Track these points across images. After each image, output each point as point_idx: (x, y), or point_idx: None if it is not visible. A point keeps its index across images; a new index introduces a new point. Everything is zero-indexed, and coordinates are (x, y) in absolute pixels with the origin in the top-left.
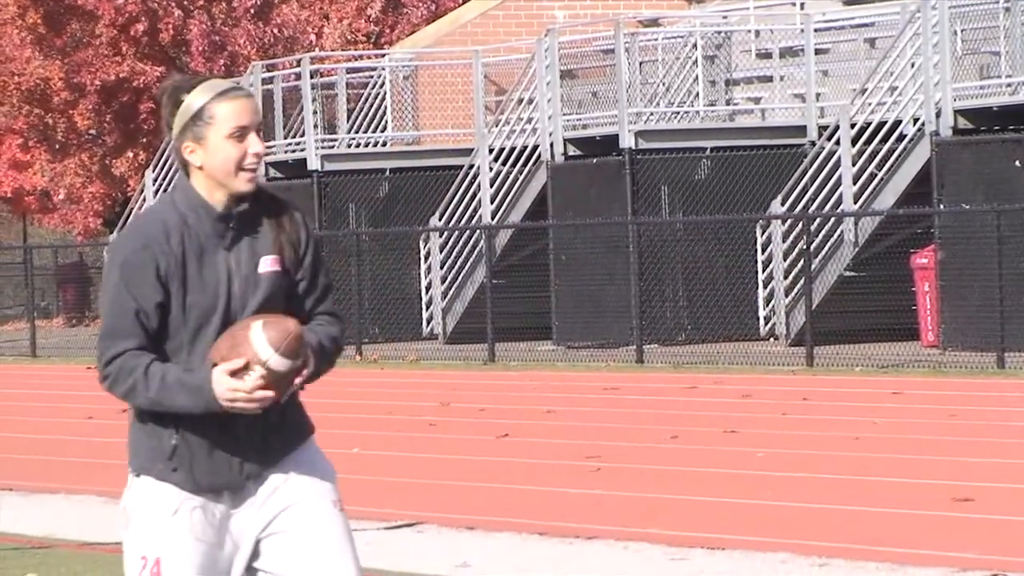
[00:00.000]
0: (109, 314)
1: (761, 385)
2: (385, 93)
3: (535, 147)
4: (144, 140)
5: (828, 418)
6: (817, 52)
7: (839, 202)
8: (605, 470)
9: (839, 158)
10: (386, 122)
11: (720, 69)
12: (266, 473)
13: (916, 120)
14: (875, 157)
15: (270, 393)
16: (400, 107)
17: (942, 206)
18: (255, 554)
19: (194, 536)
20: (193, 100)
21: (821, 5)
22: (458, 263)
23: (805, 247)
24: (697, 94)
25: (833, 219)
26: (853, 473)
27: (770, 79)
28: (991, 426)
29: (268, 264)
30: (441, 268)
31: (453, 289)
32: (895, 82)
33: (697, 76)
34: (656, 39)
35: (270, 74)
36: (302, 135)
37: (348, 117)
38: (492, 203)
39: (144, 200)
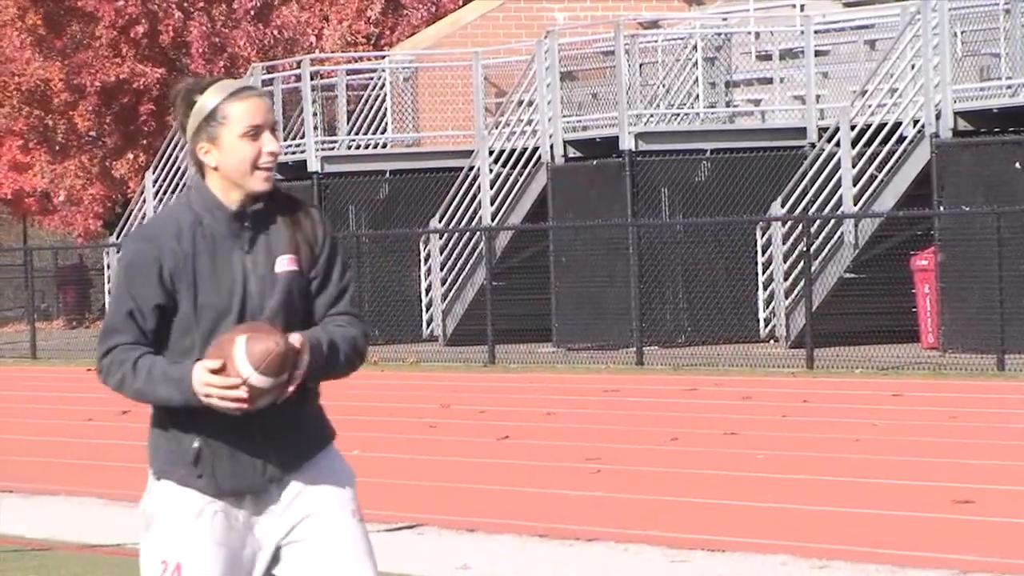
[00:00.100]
0: (109, 311)
1: (761, 387)
2: (385, 95)
3: (535, 149)
4: (144, 142)
5: (828, 420)
6: (817, 54)
7: (839, 204)
8: (605, 472)
9: (839, 160)
10: (386, 124)
11: (720, 71)
12: (287, 477)
13: (916, 122)
14: (875, 159)
15: (243, 395)
16: (400, 109)
17: (942, 208)
18: (275, 560)
19: (215, 541)
20: (206, 101)
21: (821, 7)
22: (458, 265)
23: (805, 249)
24: (697, 96)
25: (833, 221)
26: (853, 475)
27: (770, 81)
28: (991, 428)
29: (285, 264)
30: (441, 270)
31: (453, 291)
32: (895, 84)
33: (697, 78)
34: (656, 41)
35: (270, 76)
36: (302, 137)
37: (348, 119)
38: (492, 205)
39: (144, 202)
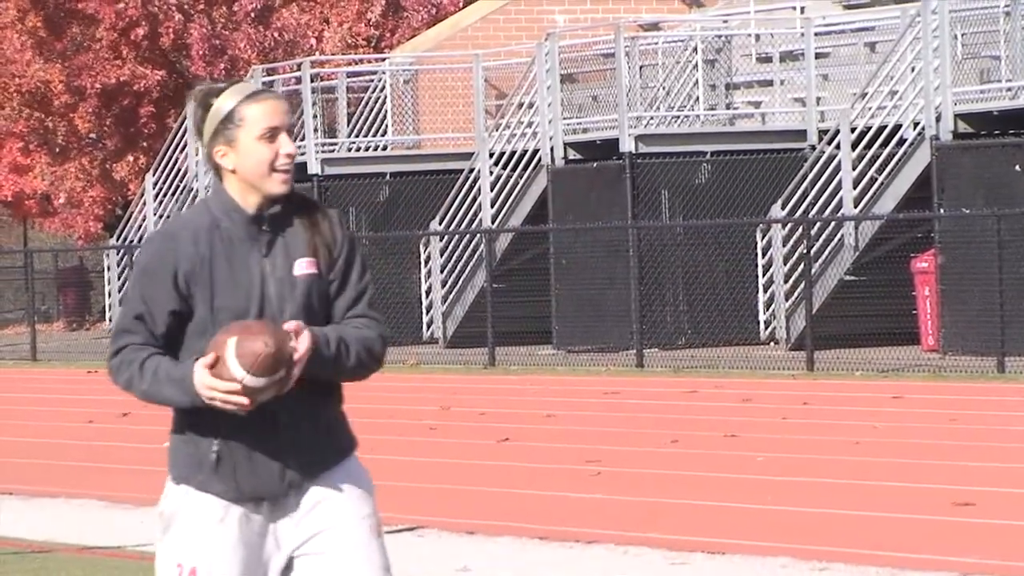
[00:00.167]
0: (120, 312)
1: (761, 389)
2: (385, 97)
3: (535, 151)
4: (144, 144)
5: (828, 422)
6: (817, 56)
7: (839, 206)
8: (605, 474)
9: (839, 162)
10: (386, 126)
11: (720, 73)
12: (307, 484)
13: (916, 124)
14: (875, 161)
15: (244, 400)
16: (400, 111)
17: (942, 210)
18: (288, 569)
19: (231, 547)
20: (223, 103)
21: (821, 9)
22: (458, 267)
23: (805, 251)
24: (697, 98)
25: (833, 223)
26: (853, 477)
27: (770, 83)
28: (991, 430)
29: (303, 266)
30: (441, 272)
31: (453, 293)
32: (895, 86)
33: (697, 80)
34: (656, 43)
35: (270, 78)
36: (302, 139)
37: (348, 121)
38: (492, 207)
39: (144, 204)
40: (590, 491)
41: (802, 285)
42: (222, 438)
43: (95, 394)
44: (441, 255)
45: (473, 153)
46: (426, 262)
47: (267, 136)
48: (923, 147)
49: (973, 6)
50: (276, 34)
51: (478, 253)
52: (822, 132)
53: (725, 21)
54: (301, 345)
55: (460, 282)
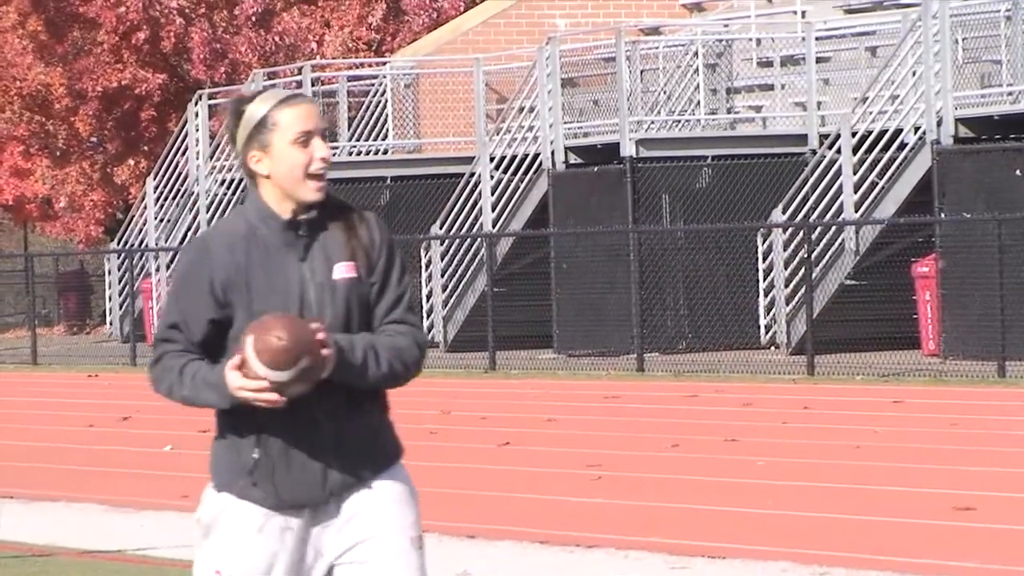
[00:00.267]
0: (158, 321)
1: (762, 394)
2: (386, 101)
3: (536, 155)
4: (145, 148)
5: (829, 427)
6: (818, 60)
7: (840, 211)
8: (606, 479)
9: (840, 166)
10: (387, 130)
11: (721, 77)
12: (348, 492)
13: (917, 129)
14: (876, 166)
15: (275, 396)
16: (401, 115)
17: (943, 215)
18: None
19: (271, 555)
20: (256, 109)
21: (822, 13)
22: (459, 271)
23: (806, 256)
24: (698, 102)
25: (834, 228)
26: (854, 482)
27: (771, 87)
28: (992, 435)
29: (343, 270)
30: (442, 276)
31: (454, 297)
32: (896, 91)
33: (698, 84)
34: (657, 47)
35: (271, 82)
36: None
37: (349, 125)
38: (493, 211)
39: (145, 208)
40: (591, 495)
41: (803, 289)
42: (263, 445)
43: (95, 398)
44: (442, 259)
45: (474, 157)
46: (427, 266)
47: (301, 140)
48: (924, 151)
49: (974, 10)
50: (277, 38)
51: (479, 257)
52: (823, 136)
53: (726, 25)
54: (318, 339)
55: (461, 286)
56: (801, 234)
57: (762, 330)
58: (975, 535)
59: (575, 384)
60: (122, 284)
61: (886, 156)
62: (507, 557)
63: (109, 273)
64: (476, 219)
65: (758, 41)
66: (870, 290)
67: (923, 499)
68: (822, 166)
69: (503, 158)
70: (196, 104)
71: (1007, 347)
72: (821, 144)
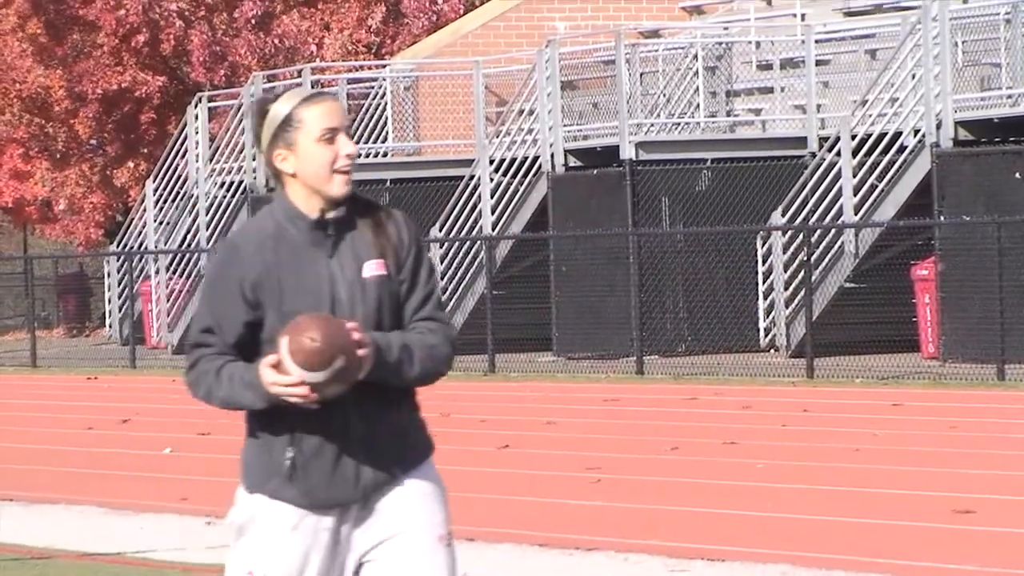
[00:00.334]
0: (191, 324)
1: (761, 396)
2: (386, 104)
3: (536, 158)
4: (145, 150)
5: (828, 430)
6: (818, 63)
7: (839, 213)
8: (605, 481)
9: (839, 169)
10: (387, 133)
11: (721, 80)
12: (380, 489)
13: (917, 131)
14: (876, 169)
15: (311, 395)
16: (401, 118)
17: (943, 218)
18: (356, 573)
19: (304, 554)
20: (280, 108)
21: (822, 16)
22: (459, 274)
23: (805, 258)
24: (698, 105)
25: (833, 230)
26: (853, 485)
27: (771, 90)
28: (992, 438)
29: (373, 268)
30: (442, 279)
31: (454, 300)
32: (896, 93)
33: (698, 87)
34: (657, 50)
35: (271, 84)
36: None
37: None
38: (493, 214)
39: (145, 210)
40: (590, 498)
41: (802, 292)
42: (296, 444)
43: (95, 400)
44: (441, 262)
45: (473, 160)
46: None
47: (326, 137)
48: (923, 154)
49: (974, 13)
50: (277, 40)
51: (478, 260)
52: (822, 139)
53: (726, 28)
54: (355, 341)
55: (460, 289)
56: (801, 237)
57: (761, 333)
58: (974, 538)
59: (574, 387)
60: (121, 287)
61: (886, 159)
62: (506, 560)
63: (108, 276)
64: (476, 222)
65: (758, 44)
66: (869, 293)
67: (922, 502)
68: (822, 169)
69: (503, 161)
70: (196, 107)
71: (1006, 350)
72: (821, 147)
